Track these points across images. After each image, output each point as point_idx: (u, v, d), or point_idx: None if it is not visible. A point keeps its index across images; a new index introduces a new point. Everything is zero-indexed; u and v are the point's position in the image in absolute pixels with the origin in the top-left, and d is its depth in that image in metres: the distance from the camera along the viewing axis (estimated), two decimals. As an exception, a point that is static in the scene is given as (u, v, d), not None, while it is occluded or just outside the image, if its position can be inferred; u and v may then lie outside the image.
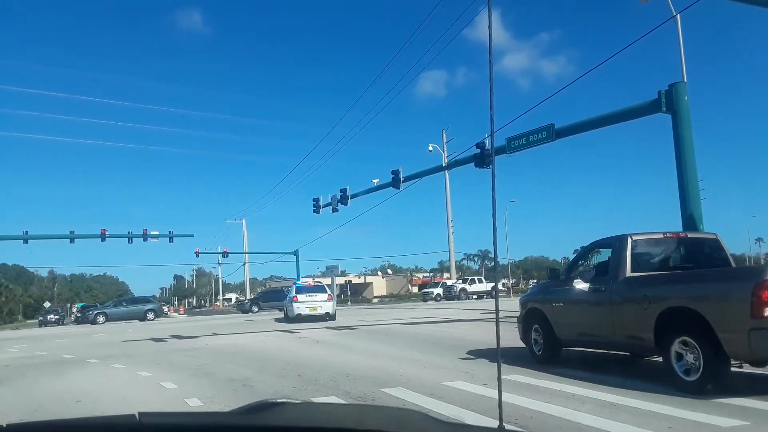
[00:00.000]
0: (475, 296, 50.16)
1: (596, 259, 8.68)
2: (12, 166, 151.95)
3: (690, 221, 13.33)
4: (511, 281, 67.92)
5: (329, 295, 26.92)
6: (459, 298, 48.45)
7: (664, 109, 14.19)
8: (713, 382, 6.00)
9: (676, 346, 6.37)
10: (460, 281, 53.63)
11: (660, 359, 7.17)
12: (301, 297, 26.08)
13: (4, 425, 1.07)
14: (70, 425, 1.13)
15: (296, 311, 25.52)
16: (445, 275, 56.84)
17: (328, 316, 25.29)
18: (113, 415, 1.09)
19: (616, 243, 7.72)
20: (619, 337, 7.27)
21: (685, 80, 14.55)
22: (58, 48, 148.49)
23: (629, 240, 7.55)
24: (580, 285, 7.87)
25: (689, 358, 6.23)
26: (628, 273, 7.35)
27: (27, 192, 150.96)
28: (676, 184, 14.00)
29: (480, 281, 53.61)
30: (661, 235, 8.11)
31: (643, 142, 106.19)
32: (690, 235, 9.02)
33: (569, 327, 8.29)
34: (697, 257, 7.94)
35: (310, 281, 34.20)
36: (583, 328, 8.03)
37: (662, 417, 5.33)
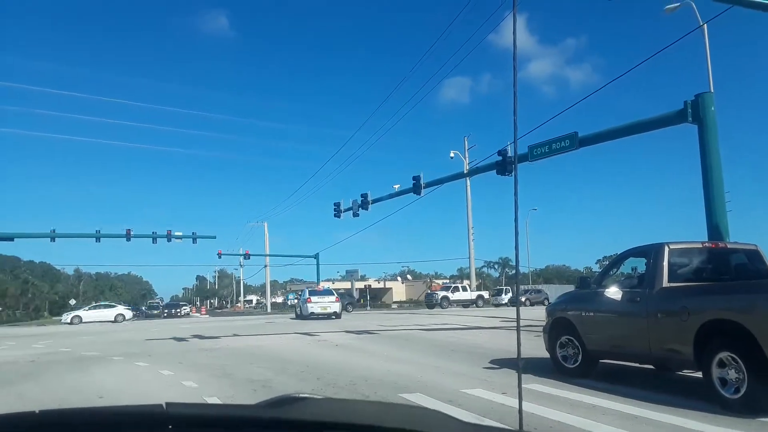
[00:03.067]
0: (457, 305, 45.57)
1: (630, 267, 8.50)
2: (40, 166, 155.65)
3: (716, 232, 13.12)
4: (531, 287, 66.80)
5: (337, 297, 33.34)
6: (441, 306, 44.72)
7: (690, 119, 14.05)
8: (758, 399, 5.69)
9: (717, 361, 6.07)
10: (443, 290, 49.83)
11: (692, 373, 7.00)
12: (314, 299, 32.16)
13: (37, 411, 1.10)
14: (100, 413, 1.16)
15: (310, 310, 31.24)
16: (465, 281, 55.96)
17: (335, 315, 31.31)
18: (141, 404, 1.13)
19: (652, 252, 7.44)
20: (655, 350, 6.98)
21: (712, 90, 14.37)
22: (87, 50, 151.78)
23: (666, 249, 7.29)
24: (613, 294, 7.62)
25: (731, 373, 5.93)
26: (665, 283, 7.08)
27: (55, 191, 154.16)
28: (702, 195, 13.82)
29: (464, 289, 48.90)
30: (700, 245, 7.90)
31: (668, 152, 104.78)
32: (729, 245, 8.69)
33: (600, 338, 7.98)
34: (737, 268, 7.68)
35: (319, 287, 41.12)
36: (615, 339, 7.73)
37: (684, 431, 5.24)
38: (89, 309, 47.67)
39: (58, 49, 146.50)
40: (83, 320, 43.22)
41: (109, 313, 45.14)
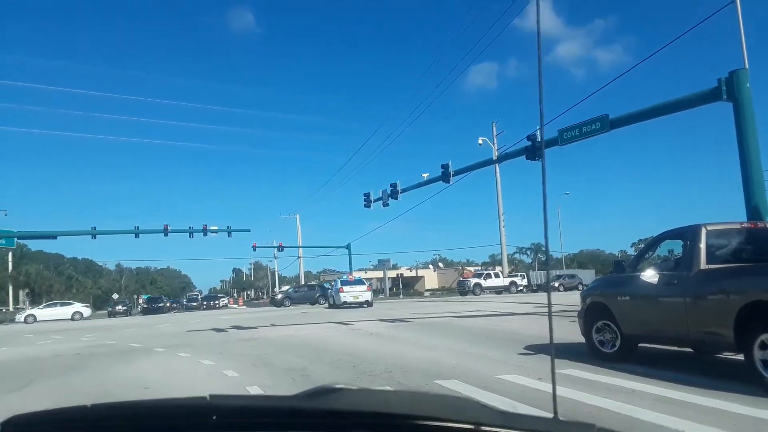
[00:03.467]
0: (489, 292, 45.88)
1: (666, 250, 8.35)
2: (81, 166, 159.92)
3: (755, 213, 12.76)
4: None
5: (368, 286, 34.76)
6: (473, 293, 45.23)
7: (725, 97, 13.67)
8: None
9: (759, 343, 5.94)
10: (475, 277, 50.06)
11: (732, 356, 6.86)
12: (346, 288, 33.45)
13: (89, 405, 1.16)
14: (147, 406, 1.21)
15: (342, 299, 32.61)
16: (497, 268, 55.57)
17: (367, 303, 32.50)
18: (186, 396, 1.17)
19: (689, 233, 7.30)
20: (694, 332, 6.85)
21: (747, 67, 13.91)
22: (122, 51, 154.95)
23: (704, 230, 7.14)
24: (650, 278, 7.48)
25: None
26: (703, 265, 6.94)
27: (94, 190, 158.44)
28: (739, 175, 13.45)
29: (497, 276, 49.16)
30: (738, 225, 7.70)
31: (704, 132, 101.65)
32: None
33: (637, 322, 7.88)
34: None
35: (350, 277, 42.33)
36: (653, 323, 7.61)
37: (727, 414, 5.14)
38: (44, 307, 45.50)
39: (94, 50, 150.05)
40: (38, 319, 41.42)
41: (65, 311, 43.50)
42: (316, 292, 45.13)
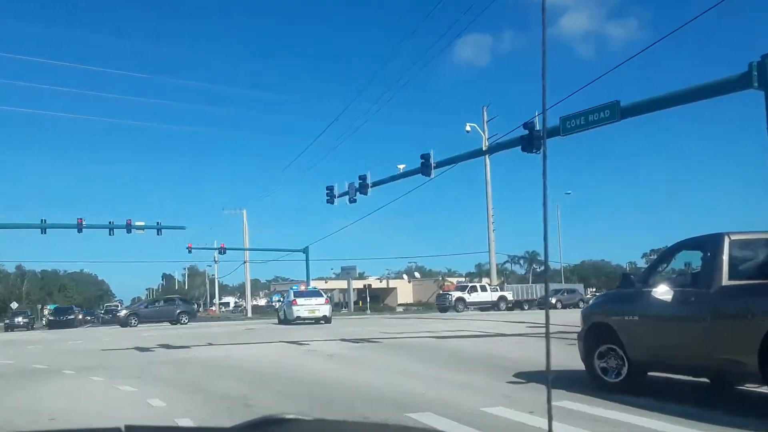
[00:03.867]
0: (474, 307, 47.05)
1: (682, 263, 8.49)
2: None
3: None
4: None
5: (326, 299, 34.56)
6: (455, 310, 46.17)
7: (756, 84, 13.93)
8: None
9: None
10: (457, 290, 51.09)
11: (756, 388, 7.01)
12: (300, 301, 32.65)
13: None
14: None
15: (296, 314, 31.84)
16: (485, 280, 56.04)
17: (325, 319, 32.16)
18: (98, 427, 1.14)
19: (709, 244, 7.47)
20: (711, 360, 6.98)
21: (785, 50, 14.22)
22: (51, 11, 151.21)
23: (726, 240, 7.28)
24: (662, 295, 7.58)
25: None
26: (725, 281, 7.07)
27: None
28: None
29: (483, 289, 50.06)
30: (766, 236, 7.92)
31: (733, 125, 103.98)
32: None
33: (646, 347, 7.99)
34: None
35: (303, 287, 42.40)
36: (665, 348, 7.74)
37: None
38: None
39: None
40: None
41: None
42: (176, 307, 42.95)
